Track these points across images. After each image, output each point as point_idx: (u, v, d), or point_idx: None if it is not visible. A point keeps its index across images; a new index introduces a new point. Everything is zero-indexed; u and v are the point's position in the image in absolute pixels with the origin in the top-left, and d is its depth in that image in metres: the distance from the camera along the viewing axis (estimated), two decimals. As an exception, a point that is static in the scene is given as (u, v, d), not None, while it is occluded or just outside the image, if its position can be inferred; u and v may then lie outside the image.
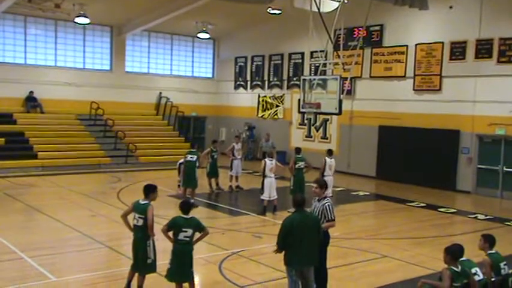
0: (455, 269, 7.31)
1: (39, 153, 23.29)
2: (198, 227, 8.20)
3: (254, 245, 12.08)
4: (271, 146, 21.97)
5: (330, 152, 17.04)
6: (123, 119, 27.64)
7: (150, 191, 8.66)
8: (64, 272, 9.81)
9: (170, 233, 8.16)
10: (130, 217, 8.68)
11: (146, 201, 8.55)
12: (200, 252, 11.17)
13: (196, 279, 9.73)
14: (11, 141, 23.43)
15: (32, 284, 8.99)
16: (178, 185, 17.68)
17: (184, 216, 8.16)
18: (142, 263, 8.47)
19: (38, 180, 20.42)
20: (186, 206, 8.25)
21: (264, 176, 15.60)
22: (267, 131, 28.21)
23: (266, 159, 15.86)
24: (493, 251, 8.00)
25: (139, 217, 8.41)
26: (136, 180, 20.93)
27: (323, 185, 8.77)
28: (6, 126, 24.09)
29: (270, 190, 15.49)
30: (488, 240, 8.11)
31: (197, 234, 8.27)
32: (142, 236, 8.44)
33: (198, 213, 15.27)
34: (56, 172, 21.85)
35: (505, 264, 7.88)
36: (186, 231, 8.06)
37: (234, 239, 12.85)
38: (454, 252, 7.47)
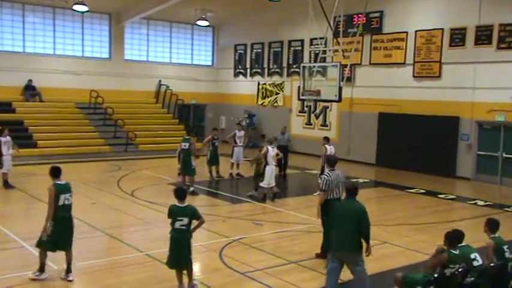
0: (454, 252, 7.41)
1: (39, 141, 23.28)
2: (194, 215, 8.23)
3: (255, 232, 12.10)
4: (287, 139, 21.46)
5: (328, 139, 16.96)
6: (123, 107, 27.60)
7: (60, 171, 8.92)
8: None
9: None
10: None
11: (64, 181, 8.84)
12: (200, 239, 11.22)
13: (197, 267, 9.79)
14: (10, 130, 23.19)
15: (33, 272, 8.99)
16: (179, 173, 17.69)
17: (180, 204, 8.19)
18: (70, 239, 8.86)
19: (37, 169, 20.41)
20: (180, 193, 8.28)
21: (266, 163, 15.60)
22: (266, 119, 28.34)
23: (268, 147, 15.83)
24: (496, 235, 8.04)
25: (69, 195, 8.76)
26: (137, 168, 20.97)
27: (327, 161, 10.35)
28: (5, 115, 23.97)
29: (270, 178, 15.51)
30: (490, 225, 8.14)
31: (195, 222, 8.31)
32: (71, 213, 8.85)
33: (199, 201, 15.38)
34: (56, 160, 21.66)
35: (507, 248, 7.92)
36: (181, 220, 8.10)
37: (235, 226, 12.87)
38: (451, 238, 7.56)
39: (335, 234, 8.03)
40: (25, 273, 8.93)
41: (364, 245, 8.01)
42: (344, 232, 7.86)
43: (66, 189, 8.71)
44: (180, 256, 8.19)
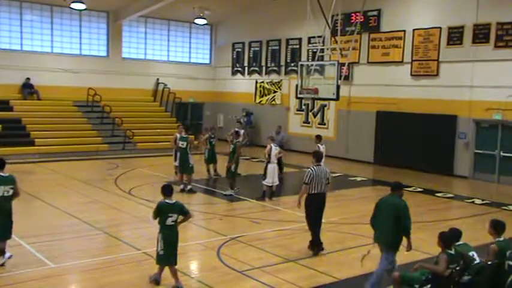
0: (451, 252, 7.39)
1: (36, 140, 23.25)
2: (182, 211, 8.41)
3: (252, 231, 12.11)
4: (280, 139, 21.21)
5: (320, 138, 16.96)
6: (121, 105, 27.56)
7: (4, 163, 9.22)
8: (62, 258, 9.83)
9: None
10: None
11: (7, 173, 9.18)
12: (198, 237, 11.25)
13: (194, 265, 9.84)
14: (7, 128, 23.36)
15: (31, 270, 9.01)
16: (176, 171, 17.69)
17: (169, 201, 8.34)
18: (8, 229, 9.24)
19: (35, 167, 20.43)
20: (168, 190, 8.44)
21: (268, 161, 15.67)
22: (264, 117, 28.32)
23: (272, 145, 15.90)
24: (501, 239, 7.68)
25: (10, 188, 9.09)
26: (134, 166, 20.95)
27: (314, 155, 10.67)
28: (3, 113, 23.99)
29: (273, 176, 15.55)
30: (496, 227, 7.74)
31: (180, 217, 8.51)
32: (11, 205, 9.18)
33: (196, 199, 15.39)
34: (53, 159, 21.83)
35: (510, 253, 7.58)
36: (172, 216, 8.27)
37: (232, 224, 12.88)
38: (446, 238, 7.53)
39: (376, 228, 8.43)
40: (24, 271, 8.96)
41: (405, 240, 8.32)
42: (382, 227, 8.28)
43: (7, 181, 9.04)
44: (174, 252, 8.35)
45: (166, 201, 8.33)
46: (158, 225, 8.39)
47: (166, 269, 8.45)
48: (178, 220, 8.42)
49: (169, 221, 8.25)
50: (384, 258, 8.33)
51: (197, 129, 29.14)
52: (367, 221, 13.23)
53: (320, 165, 10.49)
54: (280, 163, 19.95)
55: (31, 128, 23.95)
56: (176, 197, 8.36)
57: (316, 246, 10.46)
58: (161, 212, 8.27)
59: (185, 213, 8.44)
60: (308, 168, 10.48)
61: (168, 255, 8.30)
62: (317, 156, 10.66)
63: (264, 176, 15.78)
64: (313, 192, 10.28)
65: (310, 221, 10.49)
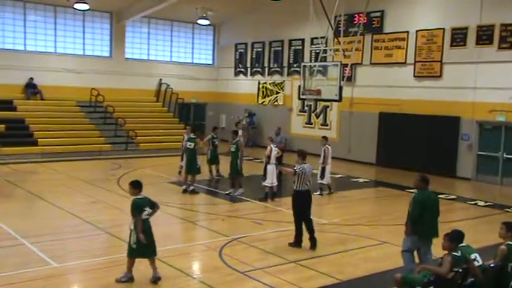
0: (456, 254, 7.36)
1: (40, 139, 23.28)
2: (151, 203, 8.69)
3: (254, 231, 12.11)
4: (279, 141, 21.01)
5: (327, 139, 16.92)
6: (123, 105, 27.59)
7: None
8: (65, 258, 9.86)
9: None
10: None
11: None
12: (200, 238, 11.26)
13: (196, 265, 9.83)
14: (11, 127, 23.42)
15: (34, 270, 9.03)
16: (179, 171, 17.68)
17: (140, 196, 8.65)
18: None
19: (38, 167, 20.46)
20: (140, 185, 8.81)
21: (267, 162, 15.72)
22: (267, 118, 28.30)
23: (272, 145, 15.97)
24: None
25: None
26: (137, 167, 20.97)
27: (300, 154, 11.31)
28: (7, 113, 24.05)
29: (273, 177, 15.59)
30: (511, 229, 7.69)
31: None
32: None
33: (199, 199, 15.39)
34: (56, 159, 21.86)
35: None
36: (145, 210, 8.52)
37: (234, 225, 12.88)
38: (454, 238, 7.50)
39: (423, 224, 8.60)
40: (25, 270, 8.97)
41: None
42: (432, 221, 8.71)
43: None
44: (151, 244, 8.53)
45: (138, 197, 8.61)
46: (132, 220, 8.52)
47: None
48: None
49: (144, 215, 8.47)
50: (429, 252, 8.71)
51: (201, 130, 29.23)
52: (368, 222, 13.30)
53: (305, 163, 11.09)
54: (280, 164, 19.98)
55: (34, 128, 23.99)
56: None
57: (297, 240, 10.90)
58: (140, 207, 8.49)
59: (154, 205, 8.70)
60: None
61: (141, 248, 8.45)
62: (303, 154, 11.27)
63: (264, 177, 15.83)
64: (300, 189, 10.82)
65: (295, 216, 11.01)
